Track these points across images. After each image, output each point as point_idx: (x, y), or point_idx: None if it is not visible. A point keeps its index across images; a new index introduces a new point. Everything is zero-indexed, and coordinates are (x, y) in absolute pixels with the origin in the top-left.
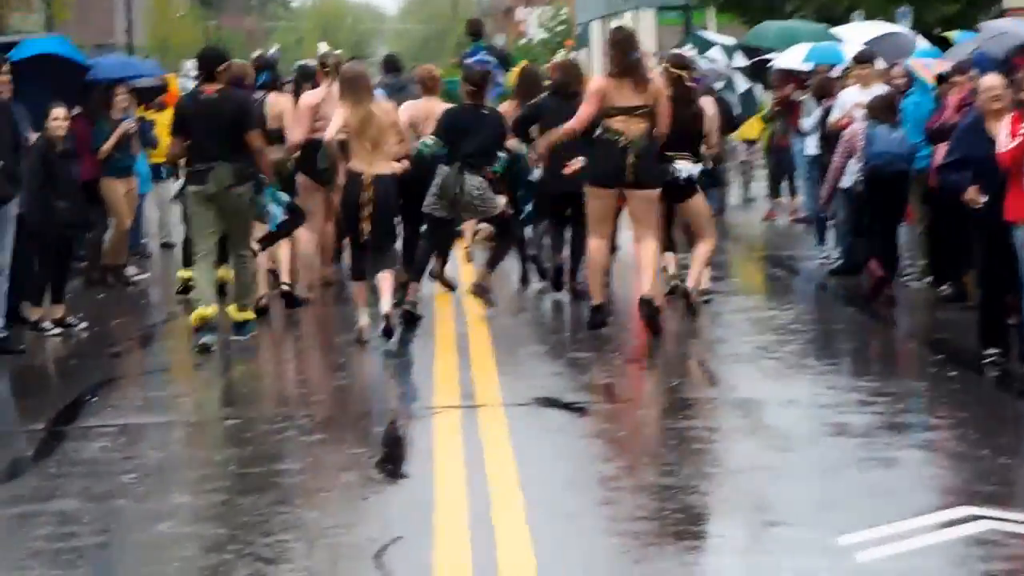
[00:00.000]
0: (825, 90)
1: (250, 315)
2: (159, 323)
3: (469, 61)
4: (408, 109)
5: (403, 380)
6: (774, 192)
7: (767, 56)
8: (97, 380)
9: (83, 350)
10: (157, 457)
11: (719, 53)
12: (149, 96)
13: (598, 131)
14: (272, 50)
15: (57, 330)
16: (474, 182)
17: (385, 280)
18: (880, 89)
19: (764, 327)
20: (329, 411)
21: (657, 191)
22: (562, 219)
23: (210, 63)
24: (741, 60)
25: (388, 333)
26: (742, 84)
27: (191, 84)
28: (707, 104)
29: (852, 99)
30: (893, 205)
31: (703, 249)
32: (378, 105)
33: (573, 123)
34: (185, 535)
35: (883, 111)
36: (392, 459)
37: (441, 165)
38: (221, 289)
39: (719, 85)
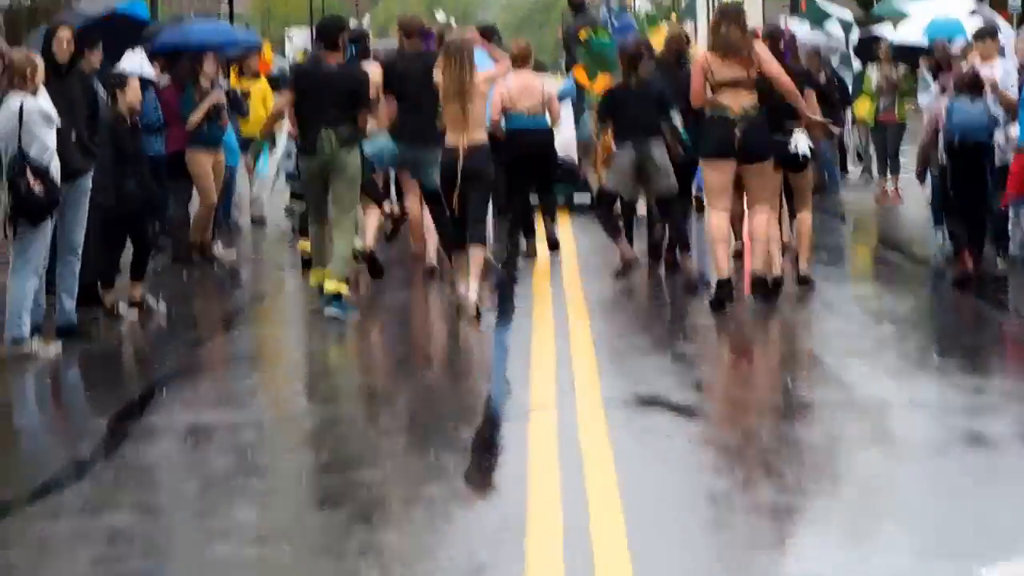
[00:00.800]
0: (943, 66)
1: (344, 288)
2: (243, 306)
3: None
4: (502, 84)
5: (497, 374)
6: (883, 171)
7: (876, 33)
8: (169, 370)
9: (159, 335)
10: (223, 464)
11: (836, 27)
12: (239, 62)
13: (707, 108)
14: (364, 22)
15: (133, 312)
16: (659, 152)
17: (477, 256)
18: (1001, 64)
19: (882, 318)
20: (415, 410)
21: (768, 163)
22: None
23: (331, 32)
24: (857, 37)
25: (475, 313)
26: (857, 63)
27: (291, 52)
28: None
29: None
30: (975, 177)
31: (806, 225)
32: (476, 75)
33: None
34: (246, 559)
35: (967, 86)
36: (482, 468)
37: (617, 144)
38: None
39: (835, 60)
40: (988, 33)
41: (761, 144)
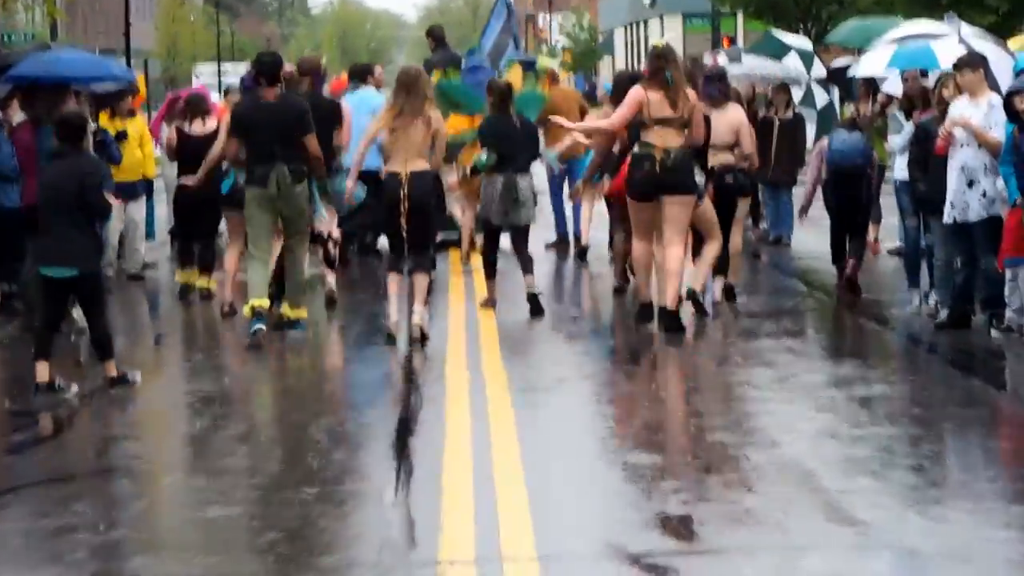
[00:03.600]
0: (915, 102)
1: (303, 313)
2: (97, 391)
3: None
4: None
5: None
6: None
7: (845, 63)
8: None
9: None
10: None
11: (796, 60)
12: (112, 101)
13: (635, 146)
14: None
15: None
16: (524, 184)
17: (420, 283)
18: (987, 100)
19: (873, 412)
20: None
21: (687, 198)
22: None
23: (271, 68)
24: (819, 70)
25: (419, 341)
26: (821, 97)
27: (197, 84)
28: (735, 112)
29: (961, 113)
30: (855, 199)
31: (710, 251)
32: (424, 109)
33: (609, 123)
34: None
35: (847, 125)
36: None
37: (491, 174)
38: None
39: (797, 96)
40: (969, 63)
41: (682, 180)
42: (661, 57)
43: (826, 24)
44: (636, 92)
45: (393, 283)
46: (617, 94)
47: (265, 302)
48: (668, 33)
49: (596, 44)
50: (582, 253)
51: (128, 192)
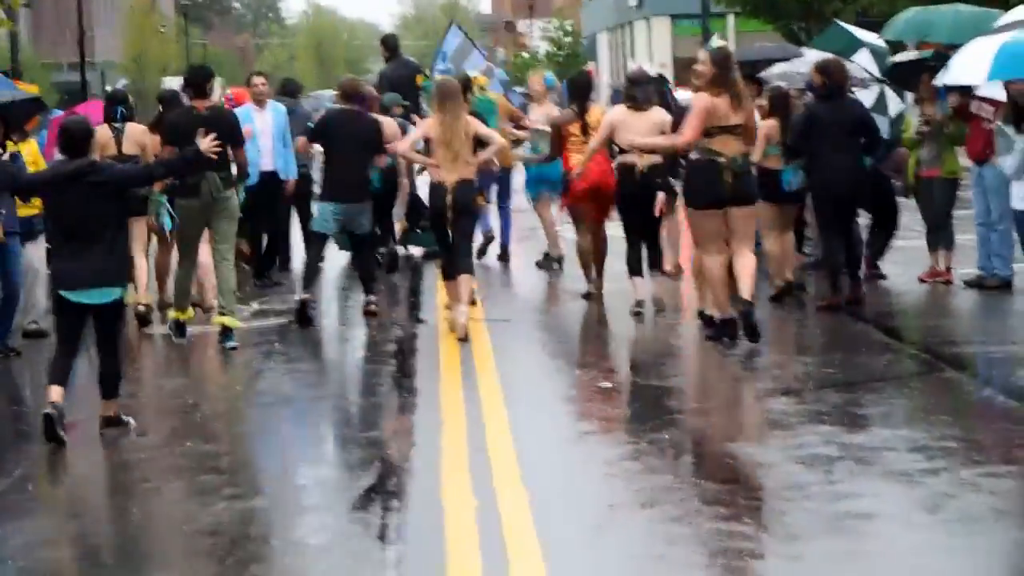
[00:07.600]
0: None
1: (237, 323)
2: None
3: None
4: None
5: None
6: (931, 241)
7: (916, 56)
8: None
9: None
10: None
11: (868, 58)
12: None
13: (695, 153)
14: (120, 84)
15: None
16: None
17: (465, 284)
18: None
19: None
20: None
21: (754, 206)
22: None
23: (201, 80)
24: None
25: (465, 334)
26: (895, 105)
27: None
28: (658, 114)
29: None
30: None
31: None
32: (463, 117)
33: (683, 139)
34: None
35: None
36: None
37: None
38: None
39: (869, 101)
40: None
41: (748, 188)
42: (729, 58)
43: (829, 20)
44: (703, 100)
45: (453, 288)
46: (572, 94)
47: (232, 321)
48: (655, 36)
49: (580, 49)
50: (558, 260)
51: (26, 229)
